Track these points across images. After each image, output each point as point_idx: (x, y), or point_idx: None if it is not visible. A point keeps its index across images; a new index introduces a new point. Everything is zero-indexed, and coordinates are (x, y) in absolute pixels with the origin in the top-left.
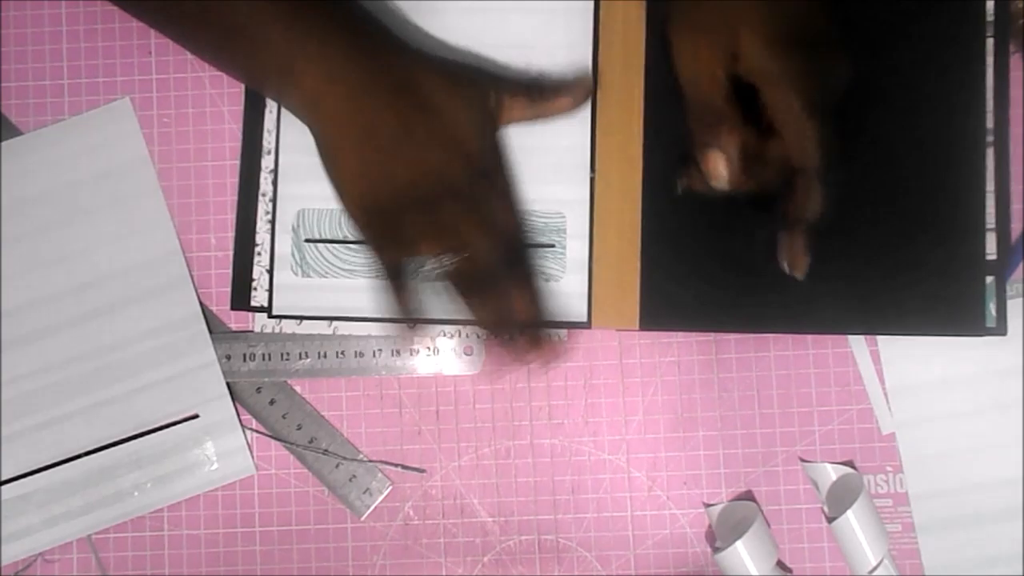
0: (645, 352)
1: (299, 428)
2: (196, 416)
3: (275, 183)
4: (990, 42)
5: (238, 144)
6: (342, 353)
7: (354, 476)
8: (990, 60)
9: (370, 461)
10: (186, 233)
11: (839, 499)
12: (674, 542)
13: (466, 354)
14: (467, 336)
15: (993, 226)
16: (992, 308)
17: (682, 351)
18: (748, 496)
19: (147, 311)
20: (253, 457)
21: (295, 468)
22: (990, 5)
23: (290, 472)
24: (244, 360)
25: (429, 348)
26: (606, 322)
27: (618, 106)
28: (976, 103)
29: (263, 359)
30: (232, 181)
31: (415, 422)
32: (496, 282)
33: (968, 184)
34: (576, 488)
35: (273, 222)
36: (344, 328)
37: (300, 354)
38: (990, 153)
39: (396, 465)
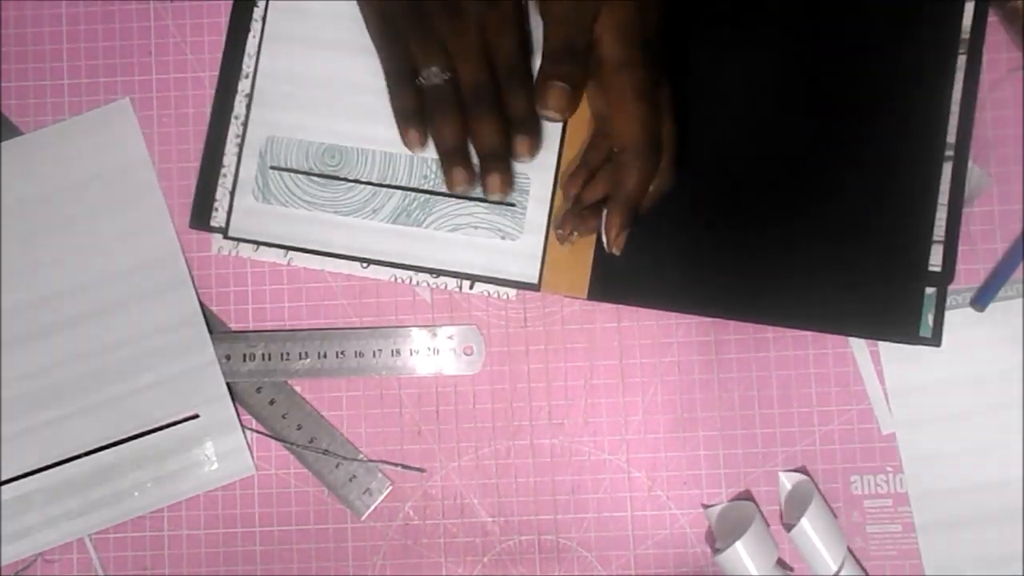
0: (645, 352)
1: (299, 428)
2: (196, 416)
3: (248, 107)
4: (962, 59)
5: None
6: (342, 353)
7: (354, 476)
8: (960, 76)
9: (370, 461)
10: (186, 233)
11: (797, 507)
12: (674, 542)
13: (466, 354)
14: (466, 336)
15: (942, 239)
16: (930, 319)
17: (682, 351)
18: (747, 496)
19: (147, 311)
20: (253, 457)
21: (295, 468)
22: (967, 22)
23: (290, 472)
24: (244, 360)
25: (430, 348)
26: (555, 287)
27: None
28: (939, 116)
29: (263, 359)
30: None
31: (415, 422)
32: (476, 108)
33: (921, 195)
34: (576, 488)
35: (241, 146)
36: (299, 260)
37: (300, 354)
38: (948, 167)
39: (396, 465)
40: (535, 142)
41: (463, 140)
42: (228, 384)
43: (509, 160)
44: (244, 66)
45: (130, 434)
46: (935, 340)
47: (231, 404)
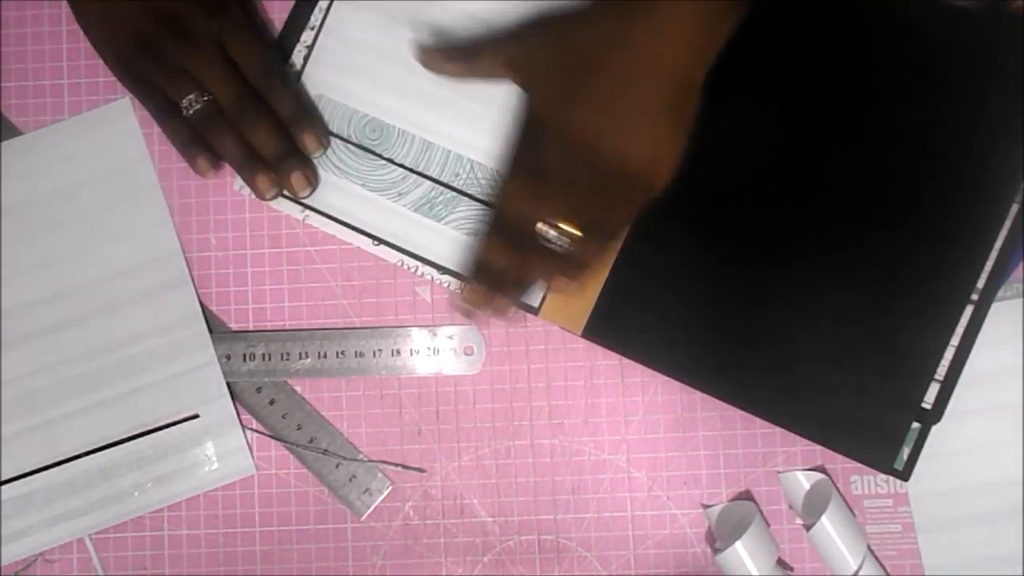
0: None
1: (299, 428)
2: (196, 416)
3: (306, 59)
4: (1015, 207)
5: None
6: (342, 353)
7: (354, 476)
8: (1007, 223)
9: (370, 461)
10: (186, 233)
11: (814, 506)
12: (674, 542)
13: (466, 354)
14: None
15: (942, 378)
16: (906, 452)
17: None
18: (747, 496)
19: (147, 311)
20: (253, 457)
21: (295, 468)
22: None
23: (290, 472)
24: (244, 360)
25: (430, 348)
26: (554, 316)
27: None
28: (974, 261)
29: (263, 359)
30: (232, 181)
31: (415, 422)
32: (243, 119)
33: (936, 333)
34: (576, 488)
35: None
36: (314, 220)
37: (300, 354)
38: (969, 310)
39: (396, 465)
40: (319, 134)
41: (250, 149)
42: (228, 384)
43: (302, 155)
44: (312, 18)
45: (130, 434)
46: (905, 475)
47: (231, 404)
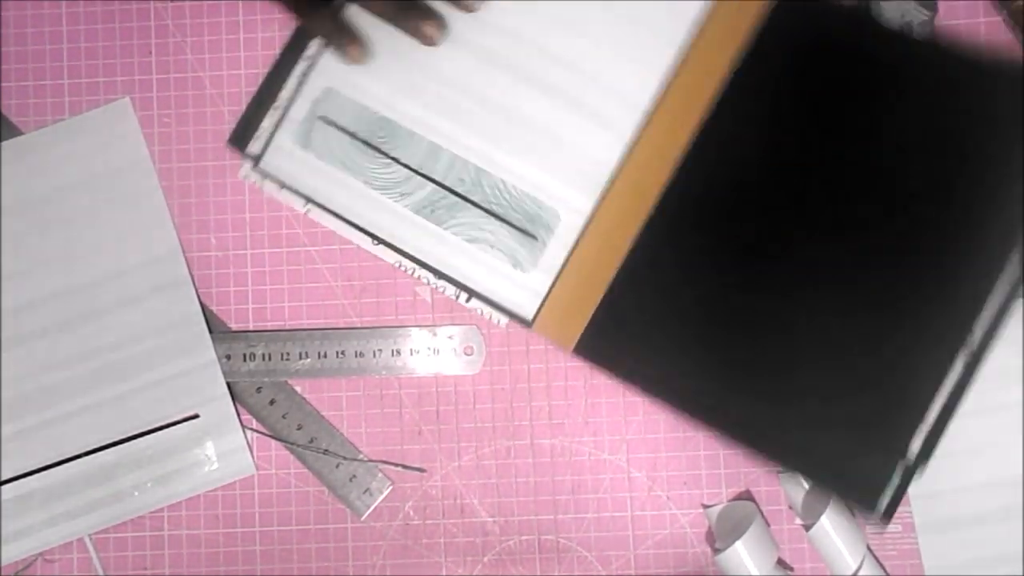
0: None
1: (299, 428)
2: (196, 416)
3: (322, 51)
4: (1014, 259)
5: None
6: (342, 353)
7: (354, 476)
8: (1005, 275)
9: (370, 461)
10: (186, 233)
11: (814, 506)
12: (674, 542)
13: (466, 354)
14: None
15: (929, 426)
16: (888, 495)
17: None
18: (748, 496)
19: (147, 311)
20: (253, 457)
21: (295, 468)
22: None
23: (290, 472)
24: (244, 360)
25: (430, 348)
26: (545, 331)
27: (663, 138)
28: (969, 314)
29: (263, 359)
30: (232, 181)
31: (415, 422)
32: None
33: (925, 387)
34: (576, 488)
35: (301, 86)
36: (316, 214)
37: (300, 354)
38: (960, 363)
39: (396, 465)
40: (440, 24)
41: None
42: (228, 384)
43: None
44: (336, 2)
45: (130, 434)
46: (885, 519)
47: (231, 404)
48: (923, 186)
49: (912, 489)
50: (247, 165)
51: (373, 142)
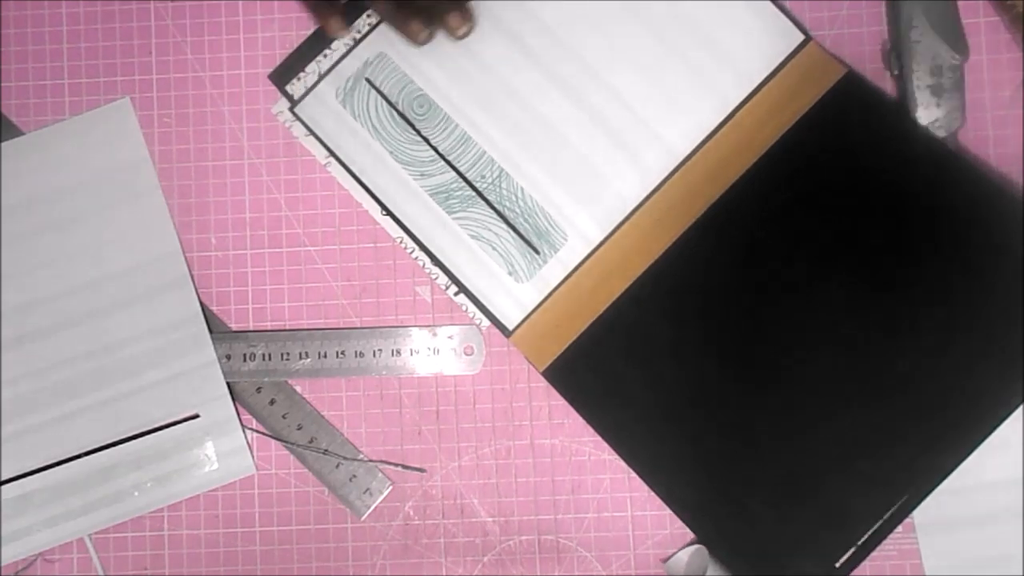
0: None
1: (299, 428)
2: (196, 416)
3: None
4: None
5: (238, 144)
6: (342, 353)
7: (354, 476)
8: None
9: (370, 461)
10: (186, 233)
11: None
12: (674, 542)
13: (466, 354)
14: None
15: (858, 545)
16: None
17: None
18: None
19: (147, 311)
20: (253, 457)
21: (295, 468)
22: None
23: (290, 472)
24: (244, 360)
25: (430, 348)
26: (522, 344)
27: (688, 194)
28: (918, 470)
29: (263, 359)
30: (232, 181)
31: (415, 422)
32: None
33: (868, 504)
34: (576, 488)
35: (356, 43)
36: (334, 169)
37: (300, 354)
38: (902, 500)
39: (396, 465)
40: (470, 17)
41: None
42: (228, 384)
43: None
44: None
45: (130, 434)
46: None
47: (231, 404)
48: (914, 321)
49: None
50: (282, 103)
51: (409, 116)
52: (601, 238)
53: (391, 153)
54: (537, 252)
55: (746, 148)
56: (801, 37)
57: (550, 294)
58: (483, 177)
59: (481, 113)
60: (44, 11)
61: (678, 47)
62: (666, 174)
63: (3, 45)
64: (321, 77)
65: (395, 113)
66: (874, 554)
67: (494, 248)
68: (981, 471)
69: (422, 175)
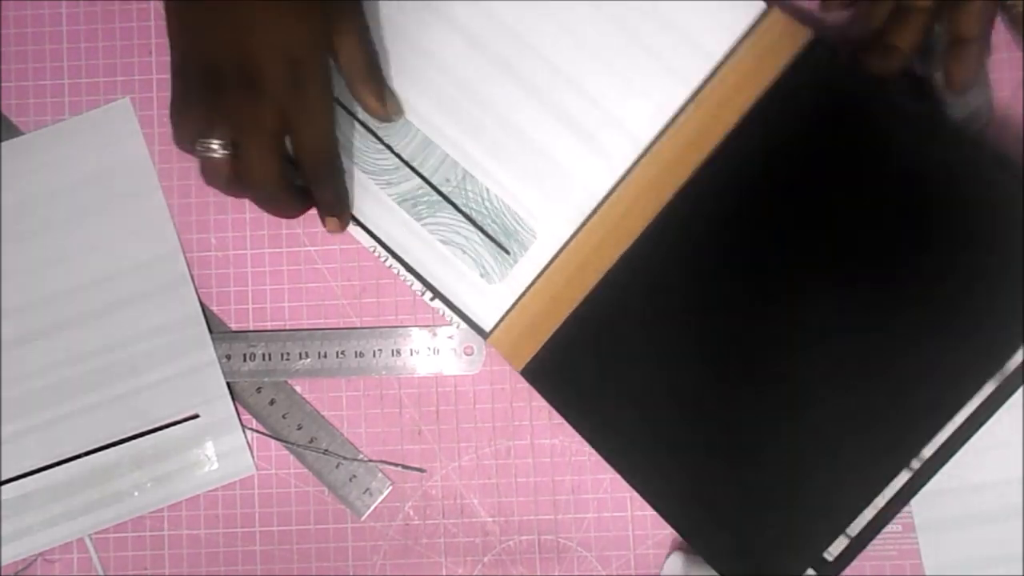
0: None
1: (299, 428)
2: (196, 416)
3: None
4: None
5: None
6: (342, 353)
7: (354, 476)
8: (974, 404)
9: (370, 461)
10: (186, 233)
11: None
12: (674, 542)
13: (466, 354)
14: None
15: (853, 536)
16: None
17: None
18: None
19: (147, 311)
20: (253, 457)
21: (295, 468)
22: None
23: (290, 472)
24: (244, 360)
25: (430, 348)
26: (500, 346)
27: (655, 179)
28: (922, 432)
29: (263, 359)
30: None
31: (415, 422)
32: (265, 198)
33: (860, 489)
34: (576, 488)
35: None
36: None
37: (300, 354)
38: (906, 477)
39: (396, 465)
40: (344, 220)
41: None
42: (228, 384)
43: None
44: None
45: (130, 434)
46: None
47: (231, 404)
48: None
49: None
50: None
51: (370, 125)
52: (570, 233)
53: (355, 163)
54: (507, 252)
55: (712, 128)
56: (762, 6)
57: (523, 293)
58: (448, 180)
59: (440, 115)
60: (44, 11)
61: (634, 30)
62: (631, 163)
63: (3, 45)
64: None
65: (356, 123)
66: (874, 554)
67: (464, 252)
68: (981, 471)
69: (388, 183)
